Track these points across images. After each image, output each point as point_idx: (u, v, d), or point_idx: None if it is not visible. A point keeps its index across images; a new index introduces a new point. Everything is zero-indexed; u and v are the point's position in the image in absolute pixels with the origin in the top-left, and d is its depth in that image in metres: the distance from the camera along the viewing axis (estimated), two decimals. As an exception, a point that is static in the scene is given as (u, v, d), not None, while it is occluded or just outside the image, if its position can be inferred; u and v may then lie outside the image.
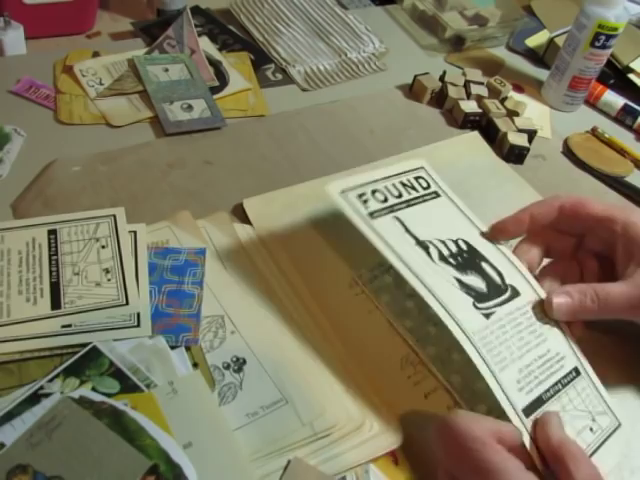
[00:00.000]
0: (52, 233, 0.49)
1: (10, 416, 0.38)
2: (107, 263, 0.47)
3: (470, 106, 0.71)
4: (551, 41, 0.83)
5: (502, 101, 0.72)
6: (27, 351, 0.42)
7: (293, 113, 0.68)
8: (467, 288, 0.45)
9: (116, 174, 0.57)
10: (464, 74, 0.75)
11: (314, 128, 0.66)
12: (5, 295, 0.44)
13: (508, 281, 0.46)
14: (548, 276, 0.48)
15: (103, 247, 0.48)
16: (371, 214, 0.47)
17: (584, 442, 0.40)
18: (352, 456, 0.40)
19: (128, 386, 0.40)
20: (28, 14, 0.68)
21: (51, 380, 0.40)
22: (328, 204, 0.57)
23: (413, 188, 0.51)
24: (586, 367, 0.44)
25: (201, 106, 0.65)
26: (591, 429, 0.41)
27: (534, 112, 0.75)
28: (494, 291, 0.45)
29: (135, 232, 0.50)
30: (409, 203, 0.50)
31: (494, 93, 0.74)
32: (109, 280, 0.46)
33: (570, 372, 0.43)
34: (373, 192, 0.49)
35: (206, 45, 0.73)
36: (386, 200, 0.49)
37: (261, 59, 0.74)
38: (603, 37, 0.70)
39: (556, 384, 0.42)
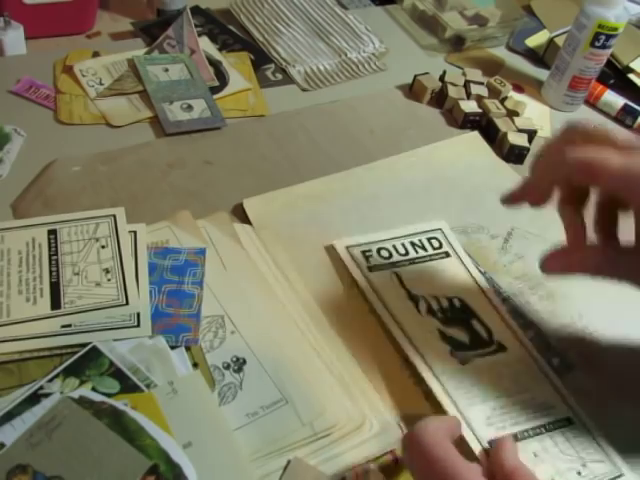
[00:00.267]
0: (52, 233, 0.49)
1: (10, 416, 0.38)
2: (107, 263, 0.47)
3: (470, 106, 0.71)
4: (551, 41, 0.83)
5: (502, 101, 0.72)
6: (27, 351, 0.42)
7: (293, 113, 0.68)
8: (447, 339, 0.48)
9: (116, 174, 0.57)
10: (464, 74, 0.75)
11: (314, 128, 0.66)
12: (5, 295, 0.44)
13: (496, 337, 0.49)
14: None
15: (103, 247, 0.48)
16: (370, 268, 0.51)
17: None
18: (352, 456, 0.40)
19: (128, 386, 0.40)
20: (28, 14, 0.68)
21: (51, 380, 0.40)
22: (328, 204, 0.57)
23: (422, 247, 0.54)
24: (583, 419, 0.45)
25: (201, 106, 0.65)
26: (579, 473, 0.42)
27: (534, 112, 0.75)
28: (477, 344, 0.48)
29: (135, 232, 0.50)
30: (413, 261, 0.53)
31: (494, 93, 0.74)
32: (109, 280, 0.46)
33: (560, 420, 0.44)
34: (379, 250, 0.53)
35: (206, 45, 0.73)
36: (390, 257, 0.53)
37: (261, 59, 0.74)
38: (603, 37, 0.70)
39: (538, 427, 0.44)
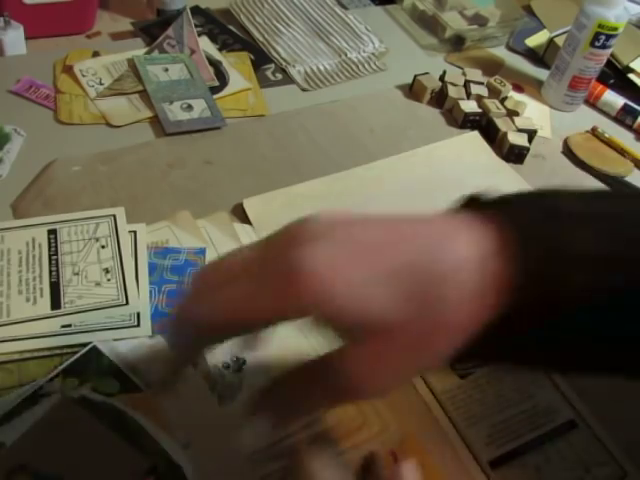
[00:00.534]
0: (52, 233, 0.49)
1: (10, 416, 0.38)
2: (107, 263, 0.47)
3: (470, 106, 0.71)
4: (551, 41, 0.83)
5: (502, 101, 0.72)
6: (27, 351, 0.42)
7: (293, 113, 0.68)
8: None
9: (116, 174, 0.57)
10: (464, 74, 0.75)
11: (314, 128, 0.66)
12: (5, 295, 0.44)
13: None
14: None
15: (103, 247, 0.48)
16: None
17: None
18: (352, 456, 0.40)
19: (128, 386, 0.40)
20: (28, 14, 0.68)
21: (51, 380, 0.40)
22: (328, 204, 0.57)
23: None
24: (587, 420, 0.45)
25: (201, 106, 0.65)
26: (581, 479, 0.42)
27: (534, 112, 0.75)
28: None
29: (135, 232, 0.50)
30: None
31: (494, 93, 0.74)
32: (109, 280, 0.46)
33: (562, 425, 0.44)
34: None
35: (206, 45, 0.73)
36: None
37: (261, 59, 0.74)
38: (603, 37, 0.70)
39: (541, 437, 0.44)
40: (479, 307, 0.27)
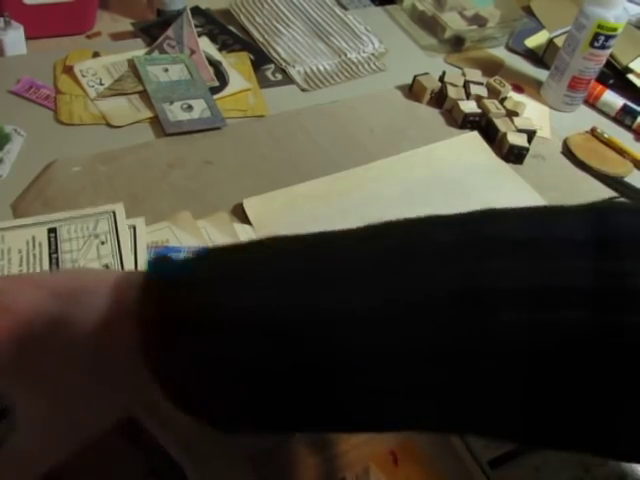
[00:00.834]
0: (52, 232, 0.49)
1: (5, 413, 0.38)
2: (107, 259, 0.47)
3: (470, 106, 0.71)
4: (550, 41, 0.83)
5: (502, 101, 0.72)
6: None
7: (293, 113, 0.68)
8: None
9: (116, 174, 0.57)
10: (464, 74, 0.75)
11: (314, 128, 0.66)
12: (5, 294, 0.44)
13: None
14: None
15: (102, 243, 0.48)
16: None
17: None
18: (352, 456, 0.40)
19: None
20: (28, 14, 0.68)
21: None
22: (328, 204, 0.57)
23: None
24: None
25: (201, 106, 0.65)
26: (581, 479, 0.42)
27: (533, 112, 0.75)
28: None
29: (134, 227, 0.50)
30: None
31: (493, 93, 0.74)
32: (109, 278, 0.46)
33: None
34: None
35: (206, 45, 0.73)
36: None
37: (261, 59, 0.75)
38: (602, 37, 0.70)
39: None
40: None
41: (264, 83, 0.71)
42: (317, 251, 0.31)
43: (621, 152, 0.72)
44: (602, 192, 0.67)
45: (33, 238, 0.48)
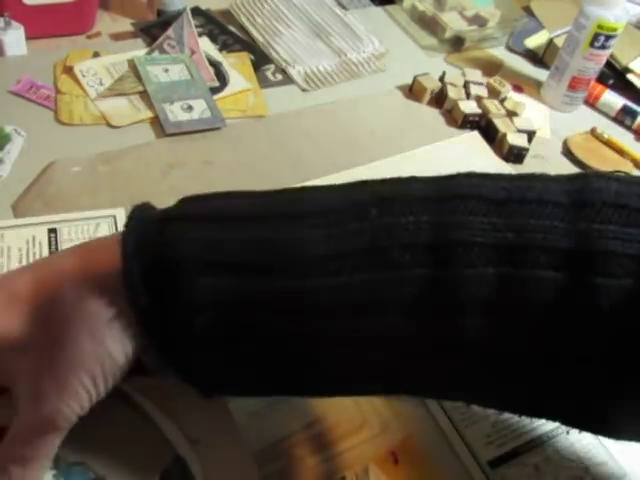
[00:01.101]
0: (52, 232, 0.49)
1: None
2: (107, 263, 0.47)
3: (470, 106, 0.71)
4: (550, 41, 0.83)
5: (502, 101, 0.72)
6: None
7: (293, 113, 0.68)
8: None
9: (116, 174, 0.57)
10: (464, 74, 0.75)
11: (314, 128, 0.66)
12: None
13: None
14: None
15: (103, 246, 0.48)
16: None
17: None
18: (352, 456, 0.40)
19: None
20: (28, 14, 0.68)
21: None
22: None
23: None
24: None
25: (201, 106, 0.65)
26: (581, 478, 0.42)
27: (533, 112, 0.75)
28: None
29: (135, 232, 0.50)
30: None
31: (493, 93, 0.74)
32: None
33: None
34: None
35: (206, 46, 0.73)
36: None
37: (261, 59, 0.75)
38: (602, 37, 0.70)
39: (540, 437, 0.43)
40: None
41: (264, 83, 0.71)
42: (288, 195, 0.33)
43: (621, 152, 0.72)
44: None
45: (33, 238, 0.48)
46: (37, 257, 0.47)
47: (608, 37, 0.70)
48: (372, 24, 0.83)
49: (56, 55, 0.68)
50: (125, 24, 0.77)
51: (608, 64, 0.77)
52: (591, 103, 0.79)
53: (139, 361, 0.31)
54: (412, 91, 0.75)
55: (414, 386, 0.31)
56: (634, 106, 0.77)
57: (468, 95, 0.73)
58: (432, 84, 0.73)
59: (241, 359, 0.29)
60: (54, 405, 0.29)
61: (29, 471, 0.29)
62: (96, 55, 0.69)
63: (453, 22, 0.84)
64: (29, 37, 0.69)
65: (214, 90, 0.68)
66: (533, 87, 0.80)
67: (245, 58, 0.74)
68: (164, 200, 0.55)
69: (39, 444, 0.29)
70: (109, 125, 0.62)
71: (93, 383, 0.29)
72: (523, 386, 0.29)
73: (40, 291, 0.30)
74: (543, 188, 0.28)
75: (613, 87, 0.79)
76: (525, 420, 0.44)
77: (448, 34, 0.83)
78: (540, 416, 0.32)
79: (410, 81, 0.74)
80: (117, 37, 0.76)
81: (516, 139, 0.67)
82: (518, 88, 0.79)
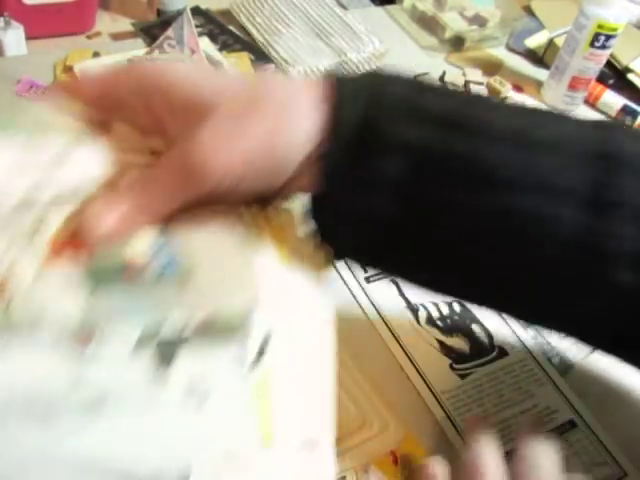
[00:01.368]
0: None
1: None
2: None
3: (470, 106, 0.71)
4: (551, 41, 0.83)
5: (502, 101, 0.72)
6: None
7: (293, 113, 0.68)
8: (448, 350, 0.48)
9: (116, 174, 0.57)
10: (464, 74, 0.75)
11: (314, 128, 0.66)
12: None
13: (497, 342, 0.49)
14: None
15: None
16: (367, 278, 0.51)
17: None
18: (352, 456, 0.40)
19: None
20: (28, 14, 0.68)
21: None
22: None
23: None
24: (587, 419, 0.45)
25: (201, 106, 0.65)
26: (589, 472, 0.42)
27: (534, 112, 0.75)
28: (477, 352, 0.48)
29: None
30: None
31: (494, 93, 0.74)
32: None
33: (563, 425, 0.44)
34: None
35: (206, 45, 0.73)
36: None
37: (261, 59, 0.74)
38: (603, 37, 0.70)
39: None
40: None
41: (264, 83, 0.71)
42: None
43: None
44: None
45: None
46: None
47: (608, 37, 0.70)
48: (372, 24, 0.83)
49: (56, 55, 0.68)
50: (125, 24, 0.77)
51: (608, 64, 0.77)
52: (591, 103, 0.79)
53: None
54: (412, 91, 0.74)
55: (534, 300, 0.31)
56: (634, 106, 0.77)
57: (468, 95, 0.73)
58: (432, 84, 0.73)
59: (404, 226, 0.29)
60: (212, 155, 0.28)
61: (137, 219, 0.28)
62: (96, 55, 0.69)
63: (453, 22, 0.84)
64: (29, 37, 0.69)
65: (214, 90, 0.68)
66: (533, 87, 0.80)
67: (245, 58, 0.74)
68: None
69: (165, 196, 0.28)
70: (109, 125, 0.62)
71: (257, 161, 0.28)
72: None
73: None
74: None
75: (613, 87, 0.79)
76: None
77: (448, 34, 0.83)
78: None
79: (410, 81, 0.74)
80: (117, 37, 0.76)
81: (516, 139, 0.67)
82: (518, 88, 0.79)
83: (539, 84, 0.80)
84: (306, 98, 0.29)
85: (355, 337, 0.48)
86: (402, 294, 0.51)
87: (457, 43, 0.84)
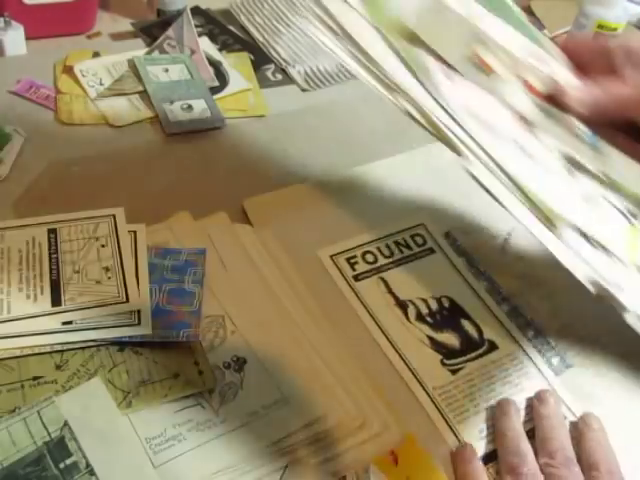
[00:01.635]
0: (52, 232, 0.49)
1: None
2: (107, 262, 0.47)
3: (470, 106, 0.71)
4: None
5: (502, 101, 0.72)
6: (27, 347, 0.42)
7: (293, 113, 0.68)
8: (438, 345, 0.48)
9: (116, 174, 0.57)
10: (464, 74, 0.75)
11: (314, 128, 0.66)
12: (5, 292, 0.44)
13: (487, 336, 0.49)
14: None
15: (103, 246, 0.48)
16: (356, 276, 0.51)
17: None
18: (352, 456, 0.40)
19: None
20: (28, 14, 0.68)
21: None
22: (328, 204, 0.57)
23: (407, 246, 0.54)
24: (573, 409, 0.45)
25: (201, 106, 0.65)
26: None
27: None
28: (468, 347, 0.48)
29: (135, 232, 0.50)
30: (399, 262, 0.53)
31: (494, 93, 0.74)
32: (109, 278, 0.46)
33: None
34: (364, 254, 0.53)
35: (206, 45, 0.73)
36: (375, 261, 0.52)
37: (261, 59, 0.75)
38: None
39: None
40: None
41: (264, 83, 0.71)
42: None
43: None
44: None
45: (33, 238, 0.48)
46: (37, 258, 0.47)
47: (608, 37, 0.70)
48: (372, 24, 0.83)
49: (56, 55, 0.68)
50: (125, 24, 0.77)
51: (608, 64, 0.77)
52: (591, 103, 0.79)
53: None
54: (412, 91, 0.74)
55: None
56: (634, 106, 0.77)
57: (468, 95, 0.73)
58: (432, 84, 0.73)
59: None
60: None
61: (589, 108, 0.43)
62: (96, 55, 0.69)
63: (453, 22, 0.83)
64: (29, 37, 0.69)
65: (214, 90, 0.68)
66: (533, 87, 0.80)
67: (245, 58, 0.74)
68: (164, 200, 0.56)
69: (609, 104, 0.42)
70: (109, 125, 0.62)
71: None
72: None
73: None
74: None
75: (613, 87, 0.79)
76: None
77: (448, 34, 0.83)
78: None
79: (410, 81, 0.74)
80: (117, 37, 0.76)
81: (516, 139, 0.67)
82: (518, 88, 0.79)
83: (539, 84, 0.80)
84: None
85: (352, 328, 0.48)
86: (390, 291, 0.51)
87: (457, 43, 0.84)
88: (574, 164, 0.41)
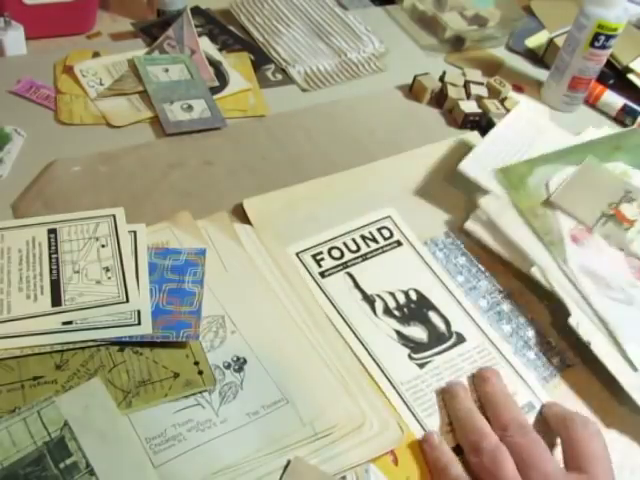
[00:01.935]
0: (52, 232, 0.49)
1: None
2: (107, 262, 0.47)
3: (470, 106, 0.71)
4: (551, 41, 0.83)
5: (502, 101, 0.72)
6: (27, 347, 0.42)
7: (293, 113, 0.68)
8: (405, 340, 0.48)
9: (116, 174, 0.57)
10: (464, 74, 0.75)
11: (314, 128, 0.66)
12: (5, 292, 0.44)
13: (454, 328, 0.49)
14: None
15: (103, 246, 0.48)
16: (322, 273, 0.51)
17: None
18: (352, 456, 0.40)
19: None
20: (28, 14, 0.68)
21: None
22: (328, 204, 0.57)
23: (374, 240, 0.54)
24: (543, 399, 0.46)
25: (201, 106, 0.65)
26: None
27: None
28: (435, 340, 0.48)
29: (135, 232, 0.50)
30: (365, 257, 0.53)
31: (494, 93, 0.74)
32: (109, 278, 0.46)
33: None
34: (330, 250, 0.53)
35: (206, 45, 0.73)
36: (342, 256, 0.52)
37: (261, 59, 0.75)
38: (603, 37, 0.70)
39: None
40: None
41: (264, 83, 0.71)
42: None
43: (621, 152, 0.72)
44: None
45: (33, 238, 0.48)
46: (37, 258, 0.47)
47: (608, 37, 0.70)
48: (372, 24, 0.83)
49: (56, 55, 0.68)
50: (125, 24, 0.77)
51: (608, 64, 0.77)
52: (591, 103, 0.79)
53: None
54: (412, 91, 0.75)
55: None
56: (634, 106, 0.77)
57: (468, 95, 0.73)
58: (432, 84, 0.73)
59: None
60: None
61: None
62: (96, 55, 0.69)
63: (453, 22, 0.84)
64: (29, 37, 0.69)
65: (214, 90, 0.68)
66: (533, 87, 0.80)
67: (245, 58, 0.74)
68: (164, 200, 0.56)
69: None
70: (109, 125, 0.62)
71: None
72: None
73: None
74: None
75: (613, 87, 0.79)
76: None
77: (448, 34, 0.83)
78: None
79: (410, 81, 0.74)
80: (117, 37, 0.76)
81: (516, 139, 0.67)
82: (518, 88, 0.79)
83: (539, 84, 0.80)
84: None
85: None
86: (358, 286, 0.51)
87: (457, 43, 0.84)
88: None
